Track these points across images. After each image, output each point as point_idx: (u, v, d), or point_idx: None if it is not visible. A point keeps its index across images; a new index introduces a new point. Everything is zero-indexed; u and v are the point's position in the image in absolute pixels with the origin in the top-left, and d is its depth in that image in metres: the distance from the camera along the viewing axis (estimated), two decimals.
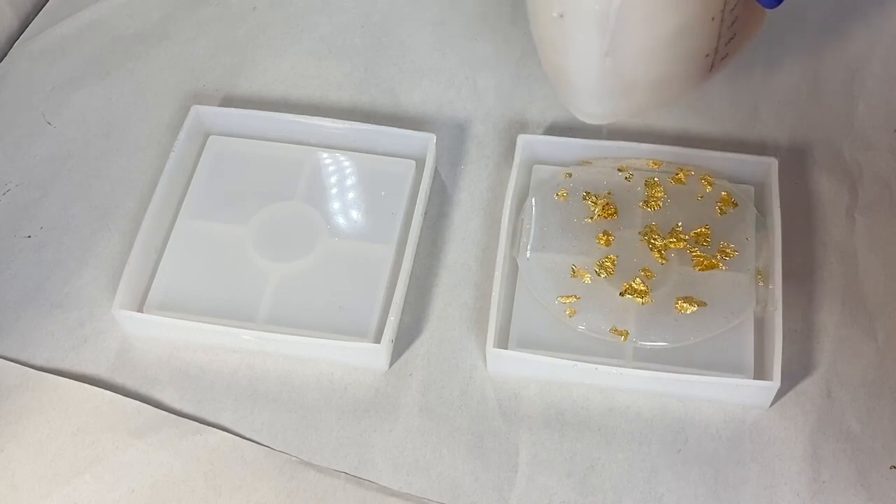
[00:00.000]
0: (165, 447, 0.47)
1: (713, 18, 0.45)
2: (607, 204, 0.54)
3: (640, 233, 0.53)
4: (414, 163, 0.57)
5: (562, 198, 0.55)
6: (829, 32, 0.64)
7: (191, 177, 0.57)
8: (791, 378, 0.49)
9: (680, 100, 0.51)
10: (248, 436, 0.48)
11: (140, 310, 0.52)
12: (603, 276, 0.52)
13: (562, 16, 0.44)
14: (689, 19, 0.44)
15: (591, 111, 0.48)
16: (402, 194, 0.56)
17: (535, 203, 0.55)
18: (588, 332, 0.50)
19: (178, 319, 0.51)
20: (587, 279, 0.52)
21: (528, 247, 0.53)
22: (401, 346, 0.51)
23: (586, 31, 0.44)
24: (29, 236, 0.56)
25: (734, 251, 0.52)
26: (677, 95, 0.49)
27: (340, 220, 0.55)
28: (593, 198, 0.55)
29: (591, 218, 0.54)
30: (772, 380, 0.48)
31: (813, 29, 0.64)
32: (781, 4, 0.45)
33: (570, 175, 0.56)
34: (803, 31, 0.64)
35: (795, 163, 0.58)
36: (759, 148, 0.58)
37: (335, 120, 0.58)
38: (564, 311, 0.51)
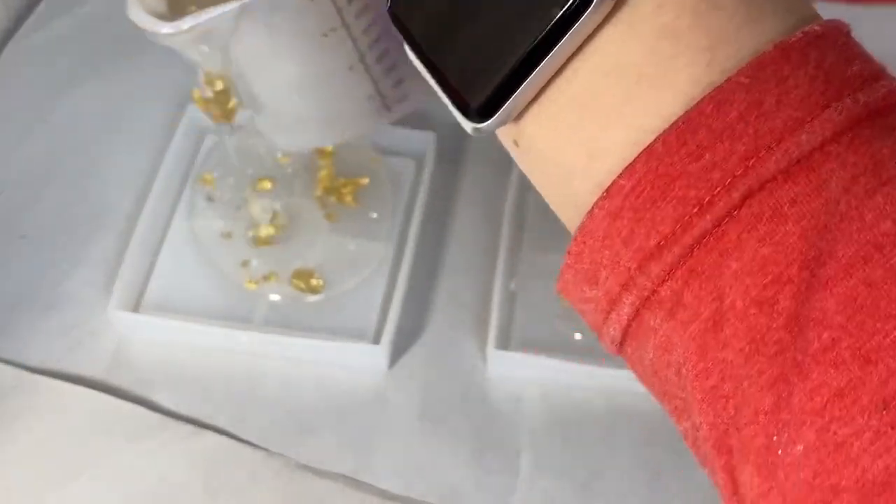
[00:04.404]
0: (162, 450, 0.47)
1: (351, 68, 0.45)
2: None
3: None
4: (413, 161, 0.57)
5: None
6: None
7: (187, 175, 0.56)
8: None
9: (366, 135, 0.54)
10: (245, 438, 0.48)
11: (136, 310, 0.52)
12: None
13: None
14: (318, 70, 0.45)
15: (278, 143, 0.51)
16: (401, 193, 0.55)
17: (532, 201, 0.54)
18: (588, 340, 0.49)
19: (174, 320, 0.50)
20: None
21: (526, 247, 0.52)
22: (400, 348, 0.51)
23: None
24: (23, 236, 0.55)
25: None
26: (357, 131, 0.50)
27: (339, 220, 0.55)
28: None
29: None
30: None
31: None
32: None
33: None
34: None
35: None
36: None
37: None
38: (564, 318, 0.50)
